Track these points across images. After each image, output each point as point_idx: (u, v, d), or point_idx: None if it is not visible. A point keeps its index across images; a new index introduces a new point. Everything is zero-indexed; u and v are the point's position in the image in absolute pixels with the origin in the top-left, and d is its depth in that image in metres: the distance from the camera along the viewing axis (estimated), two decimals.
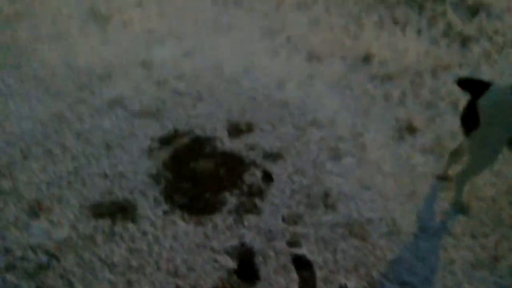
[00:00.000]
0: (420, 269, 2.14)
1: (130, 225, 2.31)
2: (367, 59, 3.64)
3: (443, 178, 2.62)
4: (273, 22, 4.08)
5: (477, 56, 3.66)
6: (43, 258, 2.12)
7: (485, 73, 3.44)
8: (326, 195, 2.52)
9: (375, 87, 3.37)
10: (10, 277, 2.02)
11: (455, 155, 2.57)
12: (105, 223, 2.32)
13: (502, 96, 2.17)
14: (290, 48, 3.78)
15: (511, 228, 2.33)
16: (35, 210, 2.34)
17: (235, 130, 2.96)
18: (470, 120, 2.26)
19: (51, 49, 3.66)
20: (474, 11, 4.22)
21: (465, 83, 2.33)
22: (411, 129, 2.97)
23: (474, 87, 2.27)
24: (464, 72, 3.45)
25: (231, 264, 2.15)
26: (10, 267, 2.07)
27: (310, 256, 2.19)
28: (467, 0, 4.37)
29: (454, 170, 2.53)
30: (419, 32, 4.00)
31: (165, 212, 2.39)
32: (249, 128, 2.97)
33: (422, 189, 2.57)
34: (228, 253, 2.20)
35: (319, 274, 2.12)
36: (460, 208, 2.42)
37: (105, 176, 2.59)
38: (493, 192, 2.53)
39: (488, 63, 3.58)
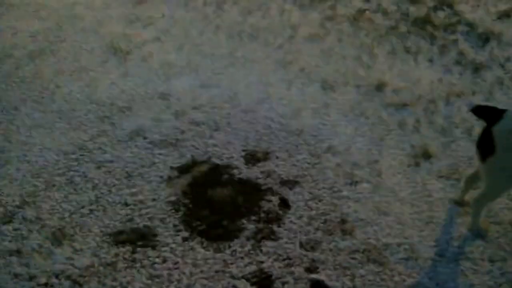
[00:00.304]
0: None
1: (151, 252, 2.36)
2: (380, 87, 3.71)
3: (460, 203, 2.62)
4: (287, 54, 4.19)
5: (490, 83, 3.70)
6: (66, 284, 2.17)
7: (498, 100, 3.48)
8: (343, 221, 2.55)
9: (389, 114, 3.42)
10: None
11: (471, 180, 2.58)
12: (126, 250, 2.37)
13: None
14: (304, 79, 3.87)
15: None
16: (58, 238, 2.40)
17: (252, 158, 3.02)
18: (485, 146, 2.29)
19: (73, 83, 3.79)
20: (485, 39, 4.29)
21: (480, 111, 2.38)
22: (426, 156, 3.00)
23: (488, 114, 2.31)
24: (478, 99, 3.49)
25: None
26: None
27: (328, 282, 2.20)
28: (477, 29, 4.45)
29: (471, 195, 2.53)
30: (431, 60, 4.07)
31: (184, 239, 2.43)
32: (266, 156, 3.03)
33: (440, 214, 2.58)
34: (247, 279, 2.22)
35: None
36: (477, 233, 2.42)
37: (126, 204, 2.65)
38: (511, 216, 2.52)
39: (501, 90, 3.62)
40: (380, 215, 2.57)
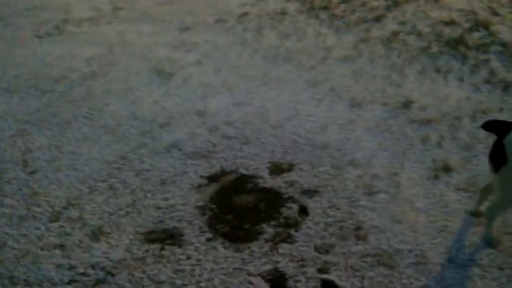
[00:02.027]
0: None
1: (177, 250, 2.59)
2: (407, 105, 3.82)
3: (475, 214, 2.68)
4: (318, 74, 4.39)
5: None
6: (101, 274, 2.43)
7: None
8: (358, 228, 2.67)
9: (413, 130, 3.52)
10: None
11: (486, 191, 2.64)
12: (155, 247, 2.61)
13: None
14: (333, 97, 4.04)
15: None
16: (96, 235, 2.69)
17: (276, 169, 3.21)
18: (497, 158, 2.37)
19: (120, 102, 4.16)
20: None
21: (489, 126, 2.48)
22: (446, 169, 3.07)
23: (498, 127, 2.41)
24: (504, 117, 3.51)
25: (265, 286, 2.33)
26: (72, 281, 2.40)
27: (338, 282, 2.33)
28: (511, 48, 4.46)
29: (486, 206, 2.59)
30: (461, 79, 4.14)
31: (208, 239, 2.65)
32: (290, 168, 3.21)
33: (454, 224, 2.64)
34: (262, 276, 2.39)
35: None
36: (489, 241, 2.47)
37: (159, 208, 2.91)
38: None
39: None
40: (394, 223, 2.68)
